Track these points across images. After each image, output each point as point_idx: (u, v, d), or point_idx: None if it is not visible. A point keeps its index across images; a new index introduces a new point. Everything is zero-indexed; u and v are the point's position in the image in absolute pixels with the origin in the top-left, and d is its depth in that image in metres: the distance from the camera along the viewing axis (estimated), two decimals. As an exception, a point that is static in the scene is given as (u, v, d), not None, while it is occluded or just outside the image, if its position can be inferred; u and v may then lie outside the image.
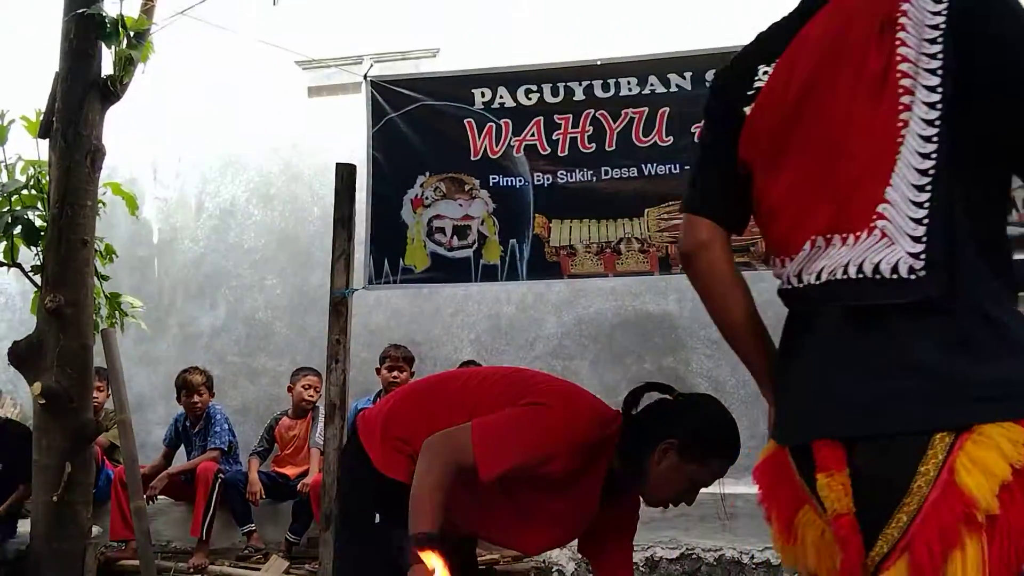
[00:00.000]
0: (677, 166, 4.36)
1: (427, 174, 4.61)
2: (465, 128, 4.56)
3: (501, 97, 4.54)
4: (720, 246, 1.81)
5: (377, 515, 2.47)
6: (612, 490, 2.56)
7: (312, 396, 6.13)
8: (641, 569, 5.45)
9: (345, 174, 4.49)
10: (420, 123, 4.61)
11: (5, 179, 4.81)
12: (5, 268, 4.83)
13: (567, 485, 2.49)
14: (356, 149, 4.67)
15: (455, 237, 4.58)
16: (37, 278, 4.70)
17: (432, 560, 2.09)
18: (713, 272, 1.83)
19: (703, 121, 1.89)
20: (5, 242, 4.77)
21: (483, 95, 4.55)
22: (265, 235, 6.96)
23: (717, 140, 1.79)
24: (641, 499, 2.65)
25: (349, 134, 5.15)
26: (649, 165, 4.38)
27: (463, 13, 6.75)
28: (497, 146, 4.53)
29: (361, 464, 2.55)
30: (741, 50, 1.83)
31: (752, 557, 5.37)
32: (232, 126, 6.98)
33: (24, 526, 5.14)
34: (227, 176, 6.96)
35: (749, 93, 1.70)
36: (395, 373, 6.02)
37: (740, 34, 4.56)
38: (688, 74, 4.38)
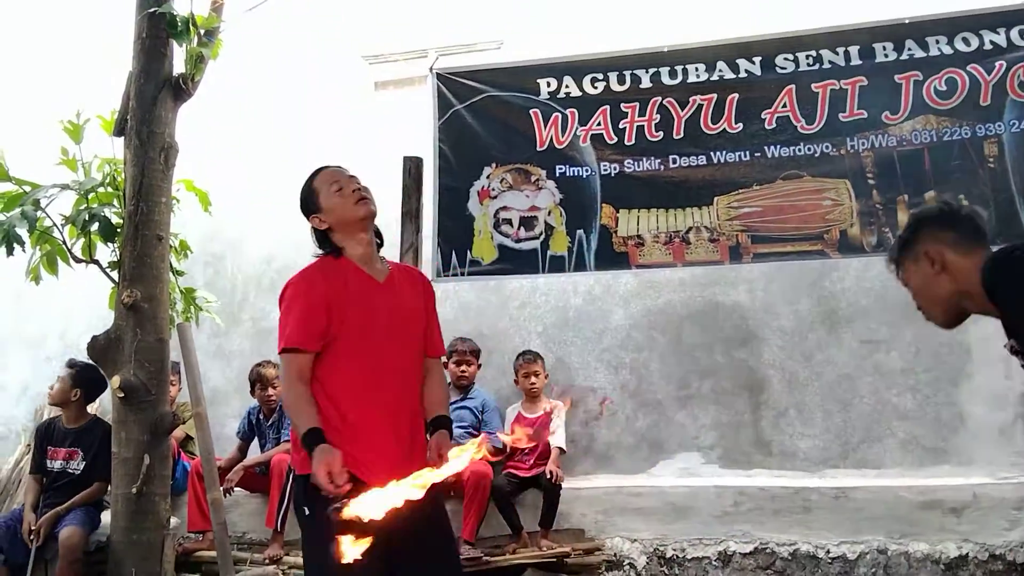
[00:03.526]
0: (747, 153, 4.30)
1: (493, 165, 4.61)
2: (531, 118, 4.55)
3: (567, 86, 4.52)
4: None
5: (306, 509, 2.91)
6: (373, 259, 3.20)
7: (383, 389, 6.16)
8: (714, 563, 5.39)
9: (412, 167, 4.50)
10: (486, 114, 4.61)
11: (82, 177, 4.90)
12: (83, 264, 4.93)
13: (363, 295, 3.07)
14: (422, 142, 4.67)
15: (522, 228, 4.57)
16: (114, 274, 4.79)
17: (323, 447, 2.71)
18: None
19: None
20: (83, 239, 4.87)
21: (548, 85, 4.54)
22: (334, 229, 7.02)
23: None
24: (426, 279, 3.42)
25: (415, 127, 5.15)
26: (718, 152, 4.33)
27: (527, 3, 6.73)
28: (563, 136, 4.51)
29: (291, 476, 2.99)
30: None
31: (828, 551, 5.27)
32: (300, 121, 7.04)
33: (105, 517, 5.26)
34: (296, 171, 7.02)
35: None
36: (463, 368, 6.02)
37: (809, 18, 4.49)
38: (757, 59, 4.31)
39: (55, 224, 4.88)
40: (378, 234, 3.29)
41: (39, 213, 4.76)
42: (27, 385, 6.47)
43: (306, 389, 2.93)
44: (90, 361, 5.04)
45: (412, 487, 2.60)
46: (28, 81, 7.42)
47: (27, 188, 4.81)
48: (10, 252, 4.67)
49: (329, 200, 3.19)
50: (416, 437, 3.13)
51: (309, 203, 3.25)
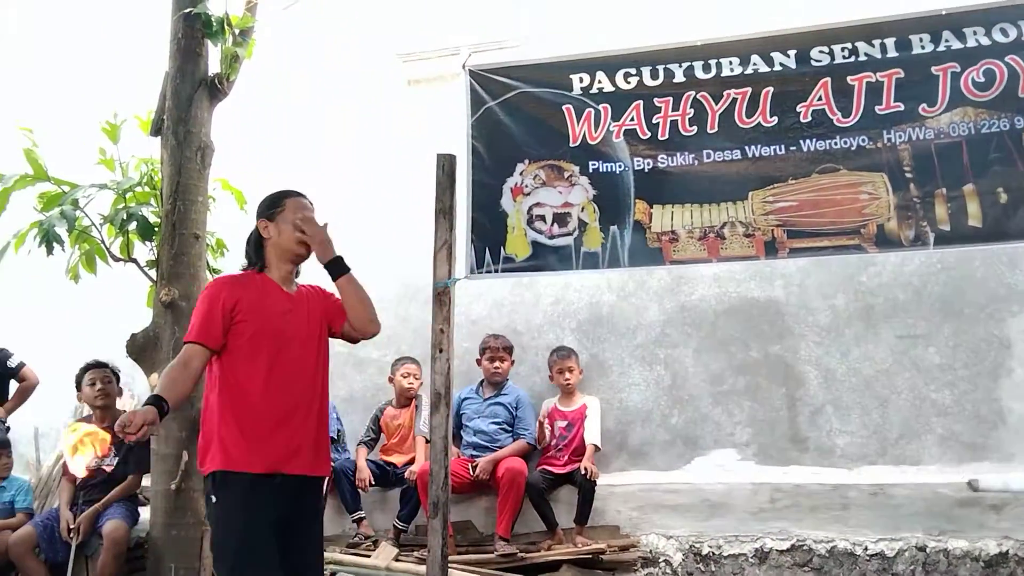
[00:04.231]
0: (782, 147, 4.25)
1: (526, 162, 4.60)
2: (564, 114, 4.53)
3: (599, 82, 4.49)
4: None
5: (213, 497, 3.36)
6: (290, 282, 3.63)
7: (412, 384, 6.20)
8: (751, 560, 5.36)
9: (446, 164, 4.50)
10: (518, 111, 4.59)
11: (120, 177, 4.96)
12: (122, 263, 4.98)
13: (270, 310, 3.46)
14: (456, 139, 4.68)
15: (555, 224, 4.56)
16: (152, 272, 4.85)
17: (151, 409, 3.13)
18: None
19: None
20: (121, 238, 4.93)
21: (581, 80, 4.51)
22: (367, 226, 7.04)
23: None
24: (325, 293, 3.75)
25: (449, 124, 5.16)
26: (753, 147, 4.28)
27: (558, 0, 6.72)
28: (596, 131, 4.49)
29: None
30: None
31: (866, 548, 5.23)
32: (334, 119, 7.07)
33: (144, 513, 5.32)
34: (331, 169, 7.06)
35: None
36: (496, 364, 6.04)
37: (844, 10, 4.45)
38: (792, 52, 4.27)
39: (93, 223, 4.95)
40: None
41: (78, 213, 4.83)
42: (66, 383, 6.53)
43: (184, 373, 3.32)
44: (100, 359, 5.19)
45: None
46: (66, 83, 7.51)
47: (66, 188, 4.88)
48: (50, 251, 4.74)
49: (286, 223, 3.55)
50: (321, 433, 3.58)
51: (270, 210, 3.59)
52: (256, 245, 3.60)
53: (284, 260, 3.58)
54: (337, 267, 3.62)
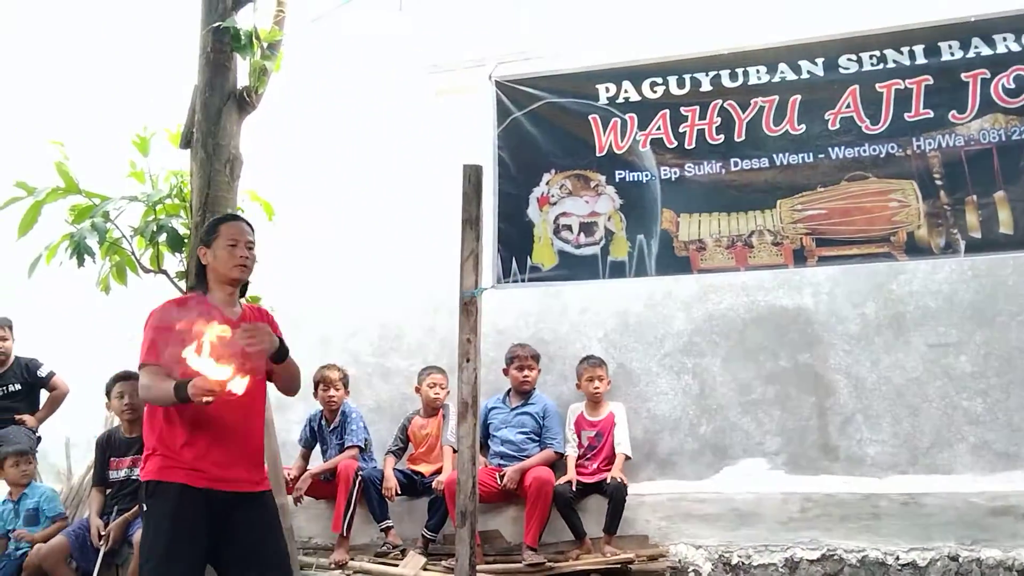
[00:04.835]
0: (810, 155, 4.24)
1: (553, 172, 4.61)
2: (590, 124, 4.54)
3: (626, 91, 4.49)
4: None
5: (144, 505, 3.55)
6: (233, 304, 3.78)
7: (439, 394, 6.21)
8: (780, 570, 5.32)
9: (472, 175, 4.52)
10: (545, 121, 4.61)
11: (150, 189, 5.00)
12: (151, 274, 5.02)
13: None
14: (483, 149, 4.69)
15: (582, 234, 4.56)
16: (182, 283, 4.88)
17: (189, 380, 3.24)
18: None
19: None
20: (151, 249, 4.96)
21: (607, 90, 4.52)
22: (394, 237, 7.06)
23: None
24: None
25: (475, 134, 5.18)
26: (781, 155, 4.27)
27: (584, 11, 6.71)
28: (623, 141, 4.50)
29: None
30: None
31: (897, 558, 5.18)
32: (362, 130, 7.10)
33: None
34: (356, 179, 7.09)
35: None
36: (524, 373, 6.04)
37: (872, 18, 4.42)
38: (820, 60, 4.26)
39: (124, 235, 4.98)
40: (244, 287, 3.92)
41: (108, 225, 4.86)
42: (97, 393, 6.60)
43: (162, 382, 3.41)
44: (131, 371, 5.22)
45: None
46: (97, 97, 7.60)
47: (97, 201, 4.91)
48: (81, 263, 4.77)
49: (220, 249, 3.71)
50: (257, 450, 3.78)
51: (207, 237, 3.76)
52: (198, 271, 3.81)
53: (223, 283, 3.74)
54: (278, 356, 3.75)
